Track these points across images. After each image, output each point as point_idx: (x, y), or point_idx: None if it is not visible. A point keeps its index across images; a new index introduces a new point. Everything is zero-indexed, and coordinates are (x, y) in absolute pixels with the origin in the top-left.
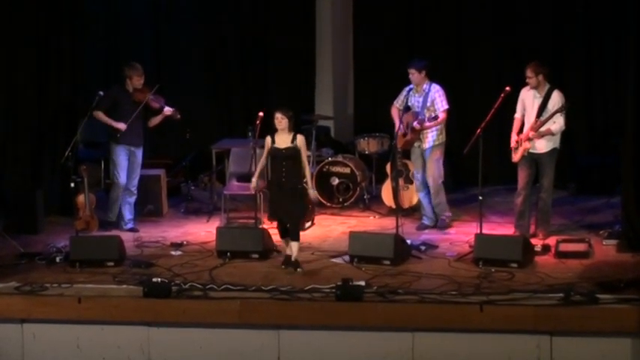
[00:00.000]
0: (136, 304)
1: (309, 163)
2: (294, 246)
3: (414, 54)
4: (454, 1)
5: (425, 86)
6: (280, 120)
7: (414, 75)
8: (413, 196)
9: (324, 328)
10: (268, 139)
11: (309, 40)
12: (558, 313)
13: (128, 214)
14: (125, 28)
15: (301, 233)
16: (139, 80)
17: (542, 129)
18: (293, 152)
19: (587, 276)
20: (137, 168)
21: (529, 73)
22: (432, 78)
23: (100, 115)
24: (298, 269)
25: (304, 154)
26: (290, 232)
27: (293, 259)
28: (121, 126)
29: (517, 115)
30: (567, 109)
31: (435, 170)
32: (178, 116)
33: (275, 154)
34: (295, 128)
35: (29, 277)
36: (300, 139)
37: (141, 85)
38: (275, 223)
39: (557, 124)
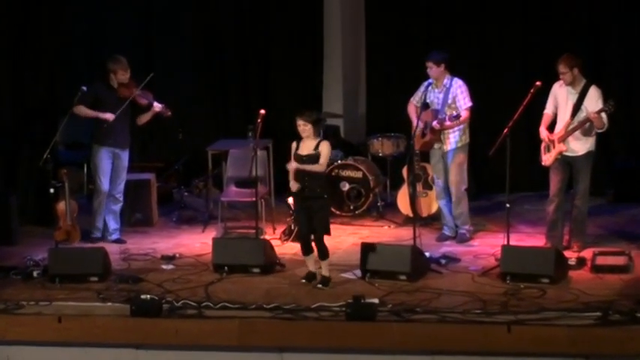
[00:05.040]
0: (123, 324)
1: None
2: (323, 264)
3: (432, 45)
4: None
5: (446, 81)
6: (303, 127)
7: (431, 69)
8: (432, 203)
9: (333, 351)
10: (294, 144)
11: (317, 28)
12: (595, 334)
13: (113, 223)
14: (112, 16)
15: None
16: (124, 74)
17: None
18: (315, 160)
19: (627, 293)
20: (122, 172)
21: (562, 68)
22: (453, 71)
23: (82, 109)
24: (322, 286)
25: (323, 159)
26: (317, 250)
27: (323, 274)
28: (109, 116)
29: (547, 111)
30: (611, 110)
31: (457, 175)
32: (169, 113)
33: (297, 161)
34: (321, 133)
35: (3, 294)
36: (324, 145)
37: (127, 79)
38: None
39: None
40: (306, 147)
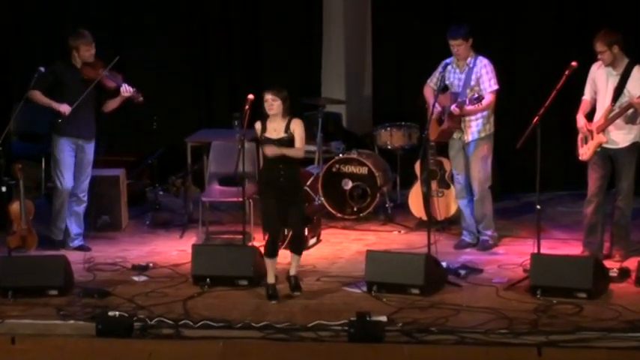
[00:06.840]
0: (88, 346)
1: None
2: (294, 260)
3: (449, 18)
4: None
5: (469, 60)
6: (271, 103)
7: (460, 47)
8: (450, 204)
9: None
10: (258, 125)
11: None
12: None
13: (76, 227)
14: None
15: (304, 252)
16: (89, 51)
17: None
18: (289, 144)
19: None
20: (87, 167)
21: (599, 46)
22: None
23: (37, 96)
24: (296, 292)
25: (299, 139)
26: (293, 244)
27: (292, 274)
28: (64, 108)
29: (585, 97)
30: None
31: (480, 171)
32: (141, 99)
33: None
34: (291, 111)
35: None
36: (296, 124)
37: (92, 57)
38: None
39: None
40: (275, 128)
